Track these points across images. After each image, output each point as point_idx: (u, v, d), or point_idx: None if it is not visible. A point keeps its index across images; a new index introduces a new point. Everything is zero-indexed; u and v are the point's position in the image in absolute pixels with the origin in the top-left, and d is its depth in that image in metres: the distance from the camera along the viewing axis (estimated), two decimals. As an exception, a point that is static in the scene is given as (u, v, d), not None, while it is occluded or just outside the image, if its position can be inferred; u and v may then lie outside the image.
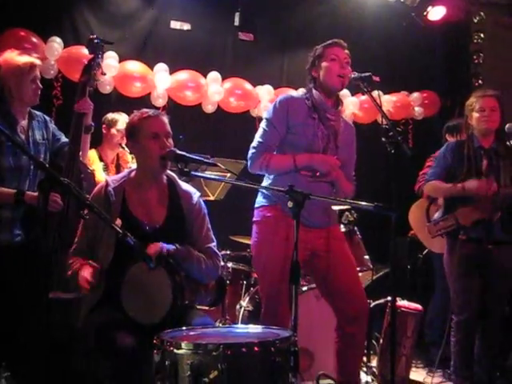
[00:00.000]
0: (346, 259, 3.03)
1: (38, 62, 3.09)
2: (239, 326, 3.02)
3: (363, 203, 2.71)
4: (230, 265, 4.26)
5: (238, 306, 4.09)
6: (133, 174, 2.75)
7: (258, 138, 2.99)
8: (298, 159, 2.88)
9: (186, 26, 5.30)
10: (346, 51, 3.01)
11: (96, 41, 3.33)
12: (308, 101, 2.98)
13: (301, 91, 3.13)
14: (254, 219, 3.04)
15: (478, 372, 3.46)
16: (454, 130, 4.36)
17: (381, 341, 3.94)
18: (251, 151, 2.98)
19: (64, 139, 3.25)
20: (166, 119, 2.68)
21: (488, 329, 3.45)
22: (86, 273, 2.45)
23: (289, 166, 2.89)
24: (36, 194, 2.85)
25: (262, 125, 3.01)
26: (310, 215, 2.87)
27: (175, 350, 1.94)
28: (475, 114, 3.49)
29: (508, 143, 3.63)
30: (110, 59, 4.75)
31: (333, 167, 2.90)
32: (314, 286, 3.63)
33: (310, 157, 2.90)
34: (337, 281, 2.97)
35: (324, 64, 2.97)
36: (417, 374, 4.17)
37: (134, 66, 4.93)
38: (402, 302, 3.95)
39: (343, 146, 3.04)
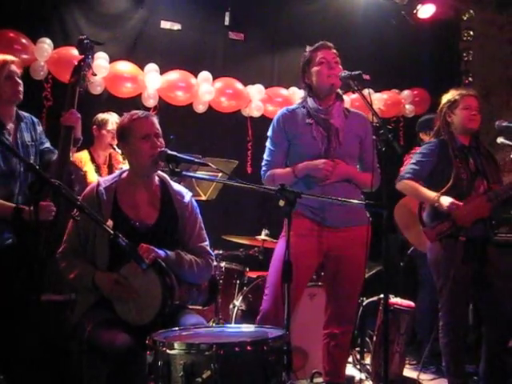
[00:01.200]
0: (357, 266, 3.02)
1: (10, 57, 3.04)
2: (232, 325, 3.02)
3: (354, 201, 2.74)
4: (222, 264, 4.25)
5: (231, 306, 4.10)
6: (124, 174, 2.74)
7: (264, 156, 3.15)
8: (296, 171, 3.00)
9: (176, 26, 5.29)
10: (334, 51, 3.05)
11: (86, 41, 3.32)
12: (303, 108, 3.08)
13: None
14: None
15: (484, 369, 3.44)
16: (427, 126, 4.35)
17: (374, 338, 3.96)
18: (262, 170, 3.15)
19: (47, 145, 3.23)
20: (155, 119, 2.69)
21: (491, 328, 3.40)
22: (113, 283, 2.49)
23: (290, 178, 3.01)
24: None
25: (267, 143, 3.16)
26: (328, 214, 2.96)
27: (168, 351, 1.95)
28: (460, 112, 3.43)
29: (506, 140, 3.63)
30: (101, 60, 4.73)
31: (328, 170, 2.93)
32: (307, 284, 3.64)
33: (306, 166, 2.97)
34: (341, 287, 3.05)
35: (314, 69, 3.03)
36: (410, 370, 4.18)
37: (125, 67, 4.91)
38: (394, 300, 3.97)
39: (349, 141, 3.05)
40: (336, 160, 2.97)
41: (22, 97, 3.06)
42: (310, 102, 3.05)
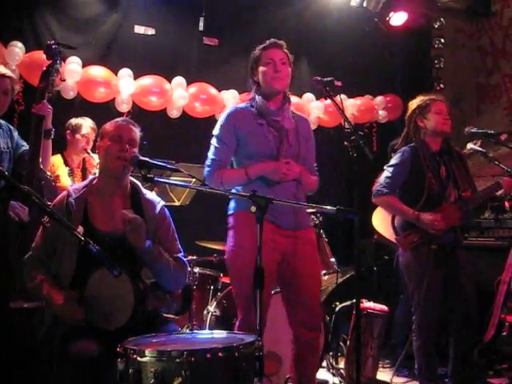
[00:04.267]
0: (312, 267, 2.99)
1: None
2: (204, 331, 3.01)
3: (325, 207, 2.73)
4: (196, 270, 4.24)
5: (205, 311, 4.08)
6: (95, 181, 2.72)
7: (210, 155, 2.99)
8: (250, 171, 2.89)
9: (150, 31, 5.27)
10: (284, 50, 2.99)
11: (54, 46, 3.29)
12: (253, 108, 2.98)
13: (246, 97, 3.11)
14: (228, 225, 3.01)
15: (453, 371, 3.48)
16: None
17: (348, 342, 3.98)
18: (206, 169, 2.98)
19: (25, 147, 3.20)
20: (135, 129, 2.70)
21: (460, 331, 3.46)
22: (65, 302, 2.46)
23: (242, 180, 2.90)
24: None
25: (213, 142, 3.01)
26: (281, 215, 2.89)
27: (139, 358, 1.93)
28: (433, 116, 3.46)
29: (474, 145, 3.69)
30: (73, 64, 4.69)
31: (284, 173, 2.86)
32: (279, 289, 3.65)
33: (260, 167, 2.89)
34: (299, 290, 2.96)
35: (260, 69, 2.96)
36: (384, 374, 4.22)
37: (98, 71, 4.88)
38: (368, 304, 4.00)
39: (298, 143, 3.01)
40: (290, 160, 2.90)
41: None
42: (259, 101, 2.96)
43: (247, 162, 2.94)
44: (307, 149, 3.08)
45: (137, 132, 2.70)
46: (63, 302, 2.46)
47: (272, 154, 2.92)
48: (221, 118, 3.04)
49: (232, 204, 3.03)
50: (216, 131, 3.01)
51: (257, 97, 2.98)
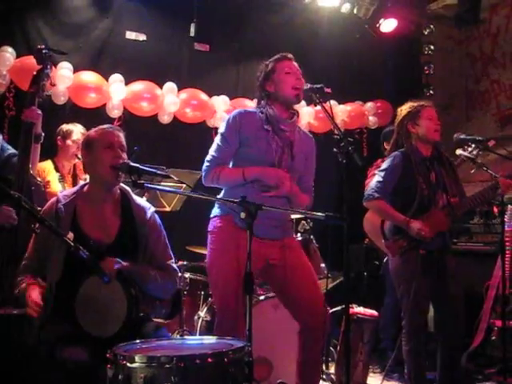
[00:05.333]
0: (303, 267, 3.02)
1: None
2: (193, 337, 3.01)
3: (315, 213, 2.75)
4: (187, 275, 4.25)
5: (196, 317, 4.08)
6: (86, 187, 2.72)
7: (211, 151, 3.01)
8: (247, 172, 2.90)
9: (142, 37, 5.29)
10: (296, 64, 3.05)
11: (44, 51, 3.29)
12: (262, 114, 2.99)
13: (255, 104, 3.13)
14: (208, 229, 3.05)
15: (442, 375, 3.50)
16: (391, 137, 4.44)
17: (338, 347, 3.99)
18: (204, 165, 3.00)
19: (11, 150, 3.20)
20: (121, 134, 2.70)
21: (448, 336, 3.47)
22: (35, 295, 2.42)
23: (238, 179, 2.91)
24: None
25: (216, 139, 3.03)
26: (264, 227, 2.86)
27: (128, 364, 1.93)
28: (425, 123, 3.49)
29: (464, 152, 3.72)
30: (64, 70, 4.69)
31: (281, 180, 2.88)
32: (271, 295, 3.66)
33: (258, 170, 2.91)
34: (294, 290, 2.98)
35: (279, 78, 2.99)
36: (374, 379, 4.23)
37: (89, 77, 4.89)
38: (358, 309, 4.01)
39: (299, 157, 3.05)
40: (289, 174, 2.94)
41: None
42: (270, 110, 2.99)
43: (245, 165, 2.94)
44: (306, 166, 3.10)
45: (123, 137, 2.69)
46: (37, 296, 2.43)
47: (272, 163, 2.94)
48: (228, 117, 3.05)
49: (215, 208, 3.06)
50: (221, 129, 3.02)
51: (268, 107, 3.00)
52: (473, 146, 3.73)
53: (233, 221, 2.89)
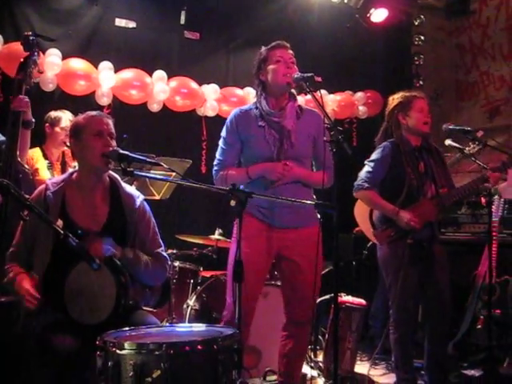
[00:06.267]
0: (308, 267, 3.00)
1: None
2: (183, 324, 3.02)
3: (304, 201, 2.78)
4: (176, 264, 4.25)
5: (184, 305, 4.09)
6: (74, 175, 2.71)
7: (217, 156, 3.13)
8: (250, 171, 3.00)
9: (131, 24, 5.25)
10: (290, 51, 3.06)
11: (32, 38, 3.25)
12: (256, 110, 3.06)
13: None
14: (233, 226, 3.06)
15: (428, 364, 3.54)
16: None
17: (326, 336, 4.03)
18: (214, 169, 3.13)
19: (1, 137, 3.17)
20: (110, 121, 2.68)
21: (435, 324, 3.51)
22: (28, 286, 2.42)
23: (244, 179, 3.01)
24: None
25: (220, 143, 3.14)
26: (276, 216, 2.97)
27: (118, 351, 1.94)
28: (415, 115, 3.50)
29: (451, 143, 3.73)
30: (53, 56, 4.65)
31: (281, 173, 2.93)
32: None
33: (259, 167, 2.98)
34: (298, 288, 3.04)
35: (270, 67, 3.02)
36: (361, 366, 4.27)
37: (78, 64, 4.84)
38: (346, 298, 4.04)
39: (301, 142, 3.05)
40: (288, 162, 2.96)
41: None
42: (263, 103, 3.05)
43: (249, 164, 3.05)
44: (317, 145, 3.08)
45: (112, 123, 2.68)
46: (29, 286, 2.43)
47: (271, 157, 2.99)
48: (227, 121, 3.14)
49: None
50: (222, 133, 3.13)
51: (262, 99, 3.06)
52: (472, 145, 3.75)
53: (249, 213, 2.93)
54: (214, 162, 3.14)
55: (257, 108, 3.07)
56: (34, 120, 3.26)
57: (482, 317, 4.18)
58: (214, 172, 3.13)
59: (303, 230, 3.05)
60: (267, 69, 3.03)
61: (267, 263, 3.08)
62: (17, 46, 4.43)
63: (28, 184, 3.11)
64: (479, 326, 4.18)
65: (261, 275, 3.07)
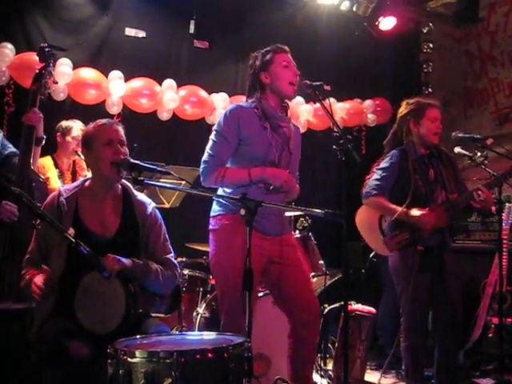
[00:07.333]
0: (298, 265, 3.02)
1: None
2: (193, 333, 3.01)
3: (314, 210, 2.75)
4: (186, 272, 4.26)
5: (194, 313, 4.10)
6: (87, 183, 2.72)
7: (208, 151, 2.91)
8: (253, 173, 2.84)
9: (141, 34, 5.30)
10: (291, 57, 3.01)
11: (47, 49, 3.30)
12: (257, 110, 2.93)
13: (249, 100, 3.04)
14: (211, 228, 3.00)
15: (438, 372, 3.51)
16: None
17: (336, 344, 4.01)
18: (203, 166, 2.90)
19: (12, 149, 3.20)
20: (120, 128, 2.69)
21: (445, 333, 3.48)
22: (38, 279, 2.42)
23: (244, 180, 2.85)
24: None
25: (212, 137, 2.93)
26: (267, 223, 2.91)
27: (129, 359, 1.94)
28: (426, 124, 3.49)
29: (460, 150, 3.73)
30: (64, 66, 4.70)
31: (285, 181, 2.88)
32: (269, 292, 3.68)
33: (263, 171, 2.86)
34: (289, 287, 2.98)
35: (276, 70, 2.94)
36: (371, 375, 4.25)
37: (89, 73, 4.89)
38: (356, 306, 4.03)
39: (295, 152, 3.06)
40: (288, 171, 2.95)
41: None
42: (266, 103, 2.94)
43: (246, 165, 2.88)
44: (296, 158, 3.10)
45: (122, 130, 2.68)
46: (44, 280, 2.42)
47: (273, 161, 2.92)
48: (224, 113, 2.94)
49: (216, 206, 3.01)
50: (218, 126, 2.92)
51: (263, 100, 2.94)
52: (478, 154, 3.74)
53: (239, 218, 2.73)
54: (204, 158, 2.89)
55: (257, 108, 2.93)
56: (45, 137, 3.29)
57: (492, 326, 4.15)
58: (203, 169, 2.89)
59: (285, 236, 3.05)
60: (273, 72, 2.94)
61: (258, 271, 2.89)
62: (28, 56, 4.52)
63: (41, 192, 3.14)
64: (490, 335, 4.15)
65: (258, 281, 2.97)
